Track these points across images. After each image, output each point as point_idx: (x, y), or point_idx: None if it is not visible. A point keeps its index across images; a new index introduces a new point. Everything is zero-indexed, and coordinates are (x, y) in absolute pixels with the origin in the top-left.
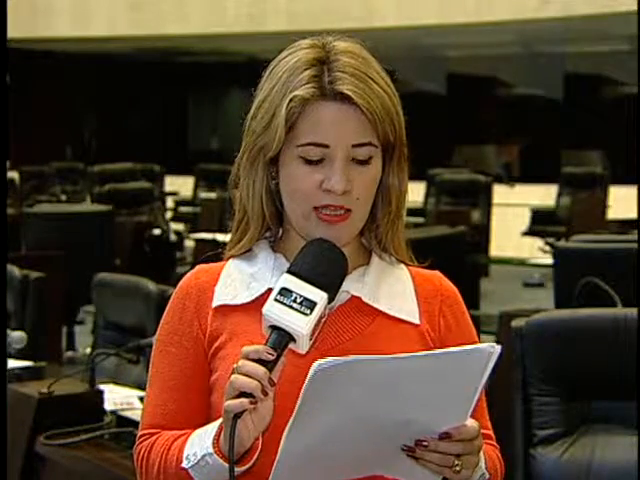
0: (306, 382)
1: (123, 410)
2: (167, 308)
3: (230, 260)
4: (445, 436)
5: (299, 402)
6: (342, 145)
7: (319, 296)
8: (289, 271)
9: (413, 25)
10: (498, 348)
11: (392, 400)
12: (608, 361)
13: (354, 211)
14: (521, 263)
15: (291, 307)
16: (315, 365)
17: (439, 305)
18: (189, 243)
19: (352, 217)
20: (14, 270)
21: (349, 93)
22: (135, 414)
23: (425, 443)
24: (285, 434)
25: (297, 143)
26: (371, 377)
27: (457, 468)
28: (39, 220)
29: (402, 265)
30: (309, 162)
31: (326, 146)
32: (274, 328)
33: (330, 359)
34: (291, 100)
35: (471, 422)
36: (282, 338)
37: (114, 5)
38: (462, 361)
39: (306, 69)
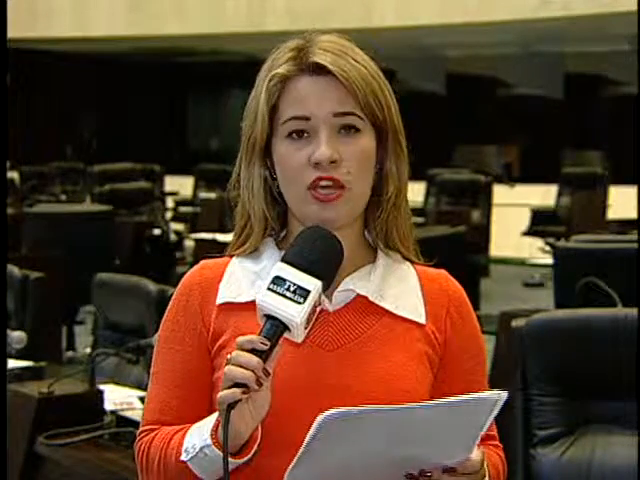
0: (311, 431)
1: (123, 410)
2: (170, 304)
3: (235, 257)
4: (449, 470)
5: (303, 445)
6: (323, 115)
7: (313, 284)
8: (283, 259)
9: (413, 25)
10: (504, 395)
11: (397, 443)
12: (608, 361)
13: (348, 187)
14: (521, 263)
15: (284, 296)
16: (322, 416)
17: (446, 306)
18: (189, 243)
19: (348, 194)
20: (14, 270)
21: (324, 63)
22: (135, 414)
23: (429, 474)
24: (289, 469)
25: (281, 121)
26: (376, 426)
27: None
28: (39, 220)
29: (408, 263)
30: (295, 140)
31: (307, 118)
32: (268, 317)
33: (336, 411)
34: (270, 80)
35: (475, 454)
36: (276, 327)
37: (114, 5)
38: (468, 409)
39: (286, 53)
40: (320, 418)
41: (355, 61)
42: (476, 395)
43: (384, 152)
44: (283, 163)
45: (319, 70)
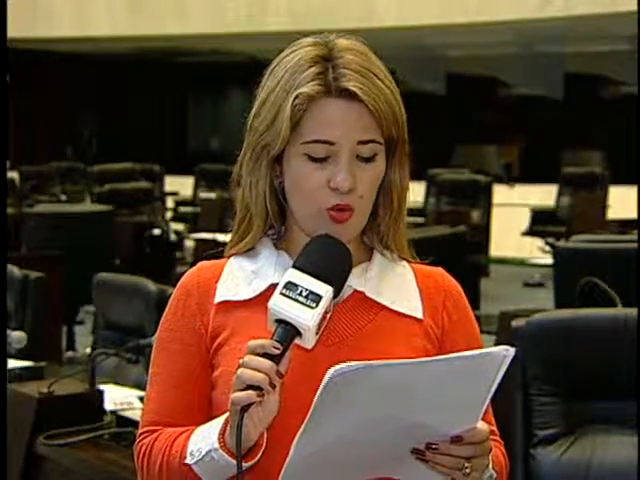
0: (321, 388)
1: (123, 410)
2: (168, 305)
3: (232, 257)
4: (456, 439)
5: (312, 407)
6: (347, 142)
7: (324, 290)
8: (295, 266)
9: (413, 25)
10: (512, 351)
11: (405, 404)
12: (608, 361)
13: (357, 209)
14: (521, 263)
15: (297, 300)
16: (331, 371)
17: (442, 301)
18: (189, 243)
19: (355, 215)
20: (14, 270)
21: (355, 90)
22: (135, 414)
23: (435, 446)
24: (297, 438)
25: (302, 140)
26: (385, 381)
27: (467, 471)
28: (39, 220)
29: (404, 262)
30: (314, 160)
31: (331, 143)
32: (280, 322)
33: (345, 365)
34: (296, 97)
35: (481, 424)
36: (288, 332)
37: (114, 5)
38: (476, 365)
39: (310, 66)
40: (328, 375)
41: (378, 79)
42: (483, 350)
43: (390, 163)
44: (298, 181)
45: (348, 95)
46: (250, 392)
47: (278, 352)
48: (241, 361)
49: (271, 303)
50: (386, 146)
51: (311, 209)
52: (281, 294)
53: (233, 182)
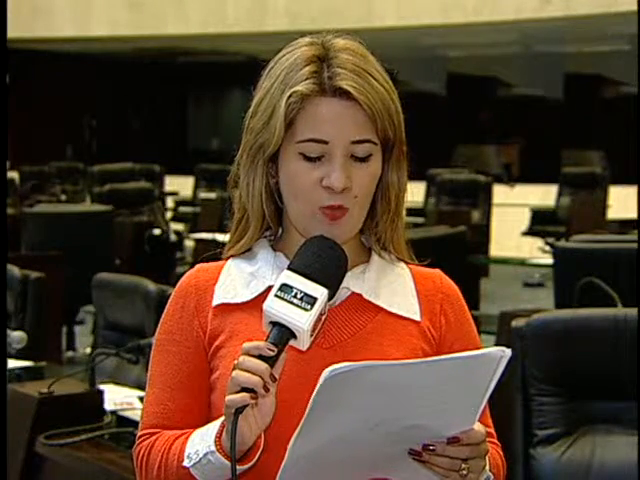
0: (317, 388)
1: (123, 410)
2: (167, 307)
3: (230, 259)
4: (453, 440)
5: (309, 408)
6: (341, 141)
7: (319, 292)
8: (289, 267)
9: (413, 25)
10: (508, 352)
11: (401, 405)
12: (608, 361)
13: (352, 209)
14: (521, 263)
15: (291, 303)
16: (326, 372)
17: (440, 303)
18: (189, 243)
19: (350, 214)
20: (14, 270)
21: (348, 89)
22: (135, 414)
23: (432, 447)
24: (293, 438)
25: (296, 139)
26: (381, 383)
27: (464, 472)
28: (39, 220)
29: (402, 264)
30: (308, 159)
31: (325, 142)
32: (275, 324)
33: (341, 365)
34: (290, 96)
35: (478, 426)
36: (283, 334)
37: (114, 5)
38: (472, 366)
39: (305, 65)
40: (324, 376)
41: (374, 79)
42: (480, 351)
43: (387, 164)
44: (293, 180)
45: (342, 94)
46: (244, 394)
47: (273, 354)
48: (236, 362)
49: (266, 305)
50: (382, 146)
51: (305, 208)
52: (276, 296)
53: (230, 183)
